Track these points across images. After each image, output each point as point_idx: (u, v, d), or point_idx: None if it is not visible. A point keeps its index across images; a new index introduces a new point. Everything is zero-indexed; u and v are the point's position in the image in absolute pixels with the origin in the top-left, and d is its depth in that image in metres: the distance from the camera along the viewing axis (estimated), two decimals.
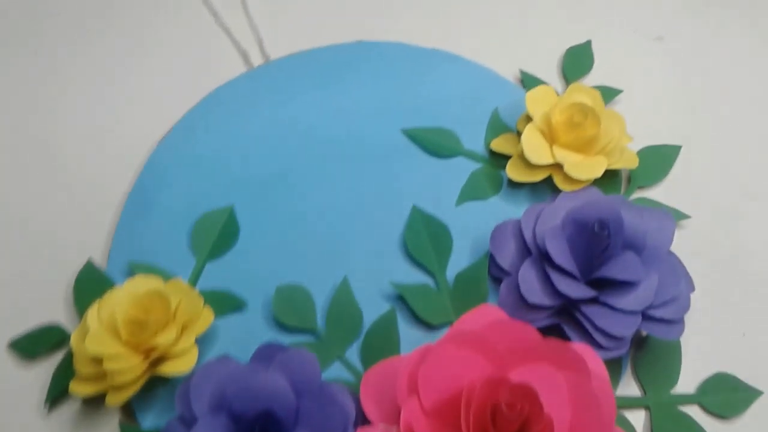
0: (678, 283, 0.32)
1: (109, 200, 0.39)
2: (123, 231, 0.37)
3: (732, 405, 0.33)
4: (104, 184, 0.39)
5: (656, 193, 0.38)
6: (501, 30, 0.44)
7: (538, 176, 0.36)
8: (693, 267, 0.34)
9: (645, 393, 0.34)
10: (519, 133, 0.39)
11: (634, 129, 0.39)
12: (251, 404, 0.30)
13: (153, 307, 0.32)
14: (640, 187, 0.38)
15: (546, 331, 0.33)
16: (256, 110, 0.41)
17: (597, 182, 0.36)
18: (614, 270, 0.32)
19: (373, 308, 0.35)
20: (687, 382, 0.34)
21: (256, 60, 0.43)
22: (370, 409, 0.31)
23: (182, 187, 0.38)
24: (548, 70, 0.43)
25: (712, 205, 0.38)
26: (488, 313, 0.31)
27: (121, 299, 0.33)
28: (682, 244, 0.36)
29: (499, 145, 0.39)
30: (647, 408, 0.33)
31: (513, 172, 0.37)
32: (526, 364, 0.29)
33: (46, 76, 0.42)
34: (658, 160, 0.39)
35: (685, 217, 0.37)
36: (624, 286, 0.32)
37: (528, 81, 0.42)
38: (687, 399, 0.34)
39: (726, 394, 0.33)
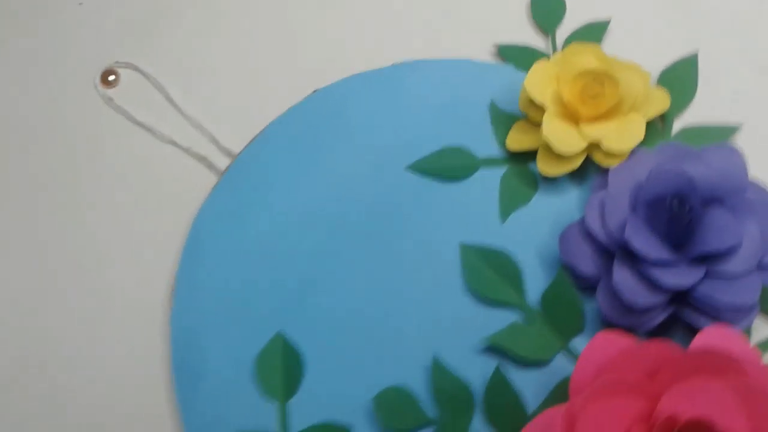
0: None
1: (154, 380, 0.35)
2: (190, 412, 0.34)
3: None
4: (142, 373, 0.35)
5: (695, 114, 0.35)
6: (449, 11, 0.40)
7: (576, 163, 0.33)
8: None
9: None
10: (527, 117, 0.35)
11: (638, 54, 0.35)
12: None
13: None
14: (677, 117, 0.35)
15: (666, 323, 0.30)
16: (250, 222, 0.36)
17: None
18: (711, 241, 0.29)
19: (476, 372, 0.32)
20: None
21: (219, 161, 0.38)
22: None
23: (220, 336, 0.34)
24: (522, 28, 0.38)
25: (756, 94, 0.35)
26: (607, 344, 0.29)
27: None
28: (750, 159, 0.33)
29: (516, 141, 0.35)
30: None
31: (546, 167, 0.34)
32: (677, 386, 0.27)
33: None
34: (681, 78, 0.36)
35: (737, 129, 0.34)
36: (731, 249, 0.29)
37: (507, 53, 0.38)
38: None
39: None
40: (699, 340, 0.28)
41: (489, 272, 0.34)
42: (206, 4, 0.41)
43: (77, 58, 0.41)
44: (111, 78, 0.40)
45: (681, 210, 0.29)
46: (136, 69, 0.40)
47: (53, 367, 0.35)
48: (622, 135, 0.32)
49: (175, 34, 0.41)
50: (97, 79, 0.40)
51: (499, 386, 0.32)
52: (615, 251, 0.30)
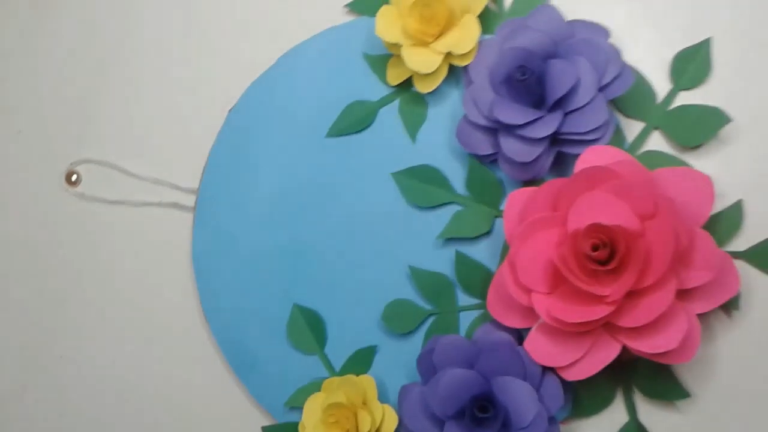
0: (598, 47, 0.36)
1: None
2: (256, 389, 0.43)
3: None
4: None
5: None
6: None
7: (442, 73, 0.40)
8: None
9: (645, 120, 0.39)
10: (395, 54, 0.42)
11: None
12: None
13: (339, 415, 0.38)
14: None
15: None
16: (233, 236, 0.44)
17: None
18: (556, 88, 0.36)
19: (444, 263, 0.41)
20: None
21: (187, 199, 0.46)
22: (502, 318, 0.37)
23: (253, 326, 0.43)
24: None
25: None
26: (518, 198, 0.37)
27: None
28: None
29: (395, 76, 0.42)
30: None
31: (423, 86, 0.41)
32: (573, 206, 0.35)
33: None
34: None
35: None
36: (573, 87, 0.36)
37: (357, 7, 0.44)
38: None
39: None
40: (579, 164, 0.36)
41: (420, 185, 0.41)
42: (113, 84, 0.48)
43: (40, 173, 0.49)
44: (74, 178, 0.48)
45: (525, 76, 0.36)
46: (89, 161, 0.48)
47: (131, 393, 0.45)
48: (464, 37, 0.39)
49: (105, 120, 0.48)
50: (63, 183, 0.48)
51: (464, 264, 0.40)
52: (497, 128, 0.38)
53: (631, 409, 0.38)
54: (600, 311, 0.33)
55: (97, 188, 0.48)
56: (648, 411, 0.38)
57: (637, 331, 0.34)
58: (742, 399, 0.37)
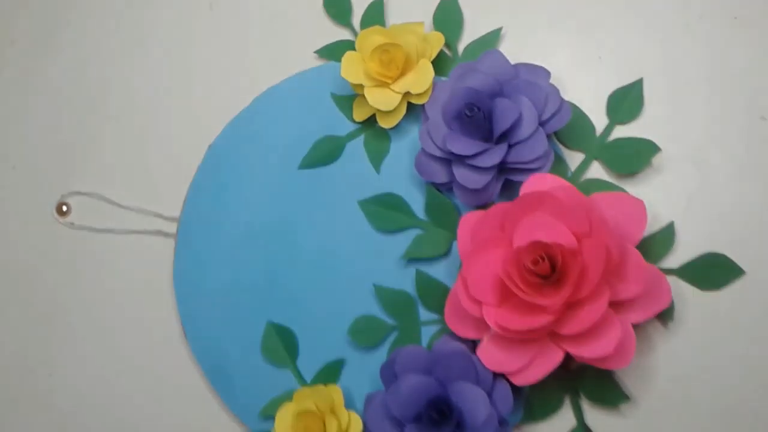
0: (539, 87, 0.41)
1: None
2: (233, 402, 0.46)
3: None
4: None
5: (469, 36, 0.46)
6: (281, 39, 0.50)
7: (401, 112, 0.44)
8: None
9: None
10: (360, 93, 0.46)
11: None
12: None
13: (308, 421, 0.41)
14: (447, 45, 0.47)
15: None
16: (211, 260, 0.47)
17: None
18: (501, 123, 0.40)
19: (407, 281, 0.44)
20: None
21: (169, 227, 0.49)
22: (458, 330, 0.41)
23: (231, 346, 0.46)
24: (328, 30, 0.49)
25: None
26: (469, 220, 0.41)
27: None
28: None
29: (360, 114, 0.46)
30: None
31: (385, 122, 0.45)
32: (517, 227, 0.39)
33: None
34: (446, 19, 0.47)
35: (499, 31, 0.46)
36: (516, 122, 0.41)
37: (326, 53, 0.48)
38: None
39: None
40: (523, 190, 0.40)
41: (384, 211, 0.45)
42: (101, 123, 0.52)
43: (32, 205, 0.52)
44: (64, 208, 0.52)
45: (473, 113, 0.40)
46: (78, 193, 0.51)
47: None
48: (420, 79, 0.43)
49: (93, 155, 0.52)
50: (55, 214, 0.52)
51: (425, 282, 0.44)
52: (451, 159, 0.42)
53: (579, 414, 0.41)
54: (542, 320, 0.37)
55: (86, 218, 0.51)
56: (594, 415, 0.41)
57: (577, 338, 0.37)
58: (678, 401, 0.41)
